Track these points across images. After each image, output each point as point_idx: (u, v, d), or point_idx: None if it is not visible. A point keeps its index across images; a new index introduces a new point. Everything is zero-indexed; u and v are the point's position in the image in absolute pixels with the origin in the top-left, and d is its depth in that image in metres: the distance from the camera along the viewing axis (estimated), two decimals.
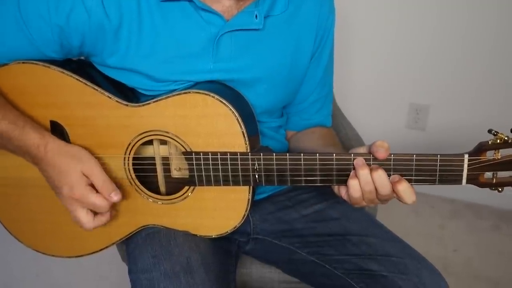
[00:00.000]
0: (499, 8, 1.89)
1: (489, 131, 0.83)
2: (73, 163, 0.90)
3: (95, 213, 0.93)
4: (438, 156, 0.84)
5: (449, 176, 0.85)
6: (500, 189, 0.86)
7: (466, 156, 0.83)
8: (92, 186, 0.91)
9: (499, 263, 1.92)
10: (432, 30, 2.00)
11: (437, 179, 0.85)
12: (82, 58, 1.02)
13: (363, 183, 0.85)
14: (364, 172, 0.84)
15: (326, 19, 1.05)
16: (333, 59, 1.13)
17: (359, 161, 0.85)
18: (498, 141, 0.82)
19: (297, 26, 1.01)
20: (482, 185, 0.86)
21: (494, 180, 0.85)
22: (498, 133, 0.82)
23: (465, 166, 0.84)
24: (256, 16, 0.94)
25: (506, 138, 0.82)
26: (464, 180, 0.84)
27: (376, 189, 0.85)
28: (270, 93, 1.03)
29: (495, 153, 0.83)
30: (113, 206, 0.95)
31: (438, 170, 0.85)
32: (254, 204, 1.13)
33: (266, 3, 0.96)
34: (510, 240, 2.04)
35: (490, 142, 0.82)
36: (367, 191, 0.85)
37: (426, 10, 1.98)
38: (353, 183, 0.85)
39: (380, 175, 0.84)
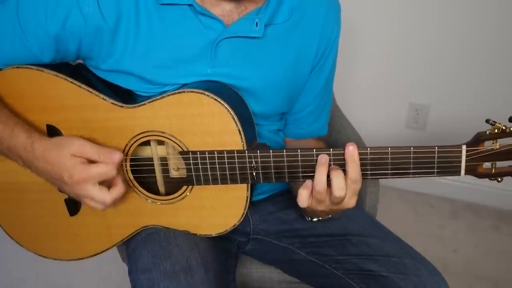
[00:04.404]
0: (499, 8, 1.88)
1: (487, 121, 0.83)
2: (60, 151, 0.88)
3: (108, 188, 0.89)
4: (436, 148, 0.84)
5: (448, 168, 0.85)
6: (499, 179, 0.86)
7: (464, 147, 0.83)
8: (91, 162, 0.88)
9: (499, 263, 1.91)
10: (432, 30, 2.00)
11: (435, 171, 0.85)
12: (78, 61, 1.01)
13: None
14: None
15: (330, 31, 1.03)
16: (335, 70, 1.12)
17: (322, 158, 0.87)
18: (496, 130, 0.82)
19: (299, 36, 1.00)
20: (480, 175, 0.85)
21: (493, 170, 0.85)
22: (496, 122, 0.82)
23: (463, 157, 0.83)
24: (256, 24, 0.94)
25: (503, 127, 0.81)
26: (462, 171, 0.84)
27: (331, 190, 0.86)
28: (266, 101, 1.03)
29: (493, 143, 0.82)
30: (124, 195, 0.93)
31: (436, 162, 0.85)
32: (254, 205, 1.13)
33: (268, 11, 0.95)
34: (510, 240, 2.03)
35: (488, 132, 0.82)
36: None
37: (426, 10, 1.98)
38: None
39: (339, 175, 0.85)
